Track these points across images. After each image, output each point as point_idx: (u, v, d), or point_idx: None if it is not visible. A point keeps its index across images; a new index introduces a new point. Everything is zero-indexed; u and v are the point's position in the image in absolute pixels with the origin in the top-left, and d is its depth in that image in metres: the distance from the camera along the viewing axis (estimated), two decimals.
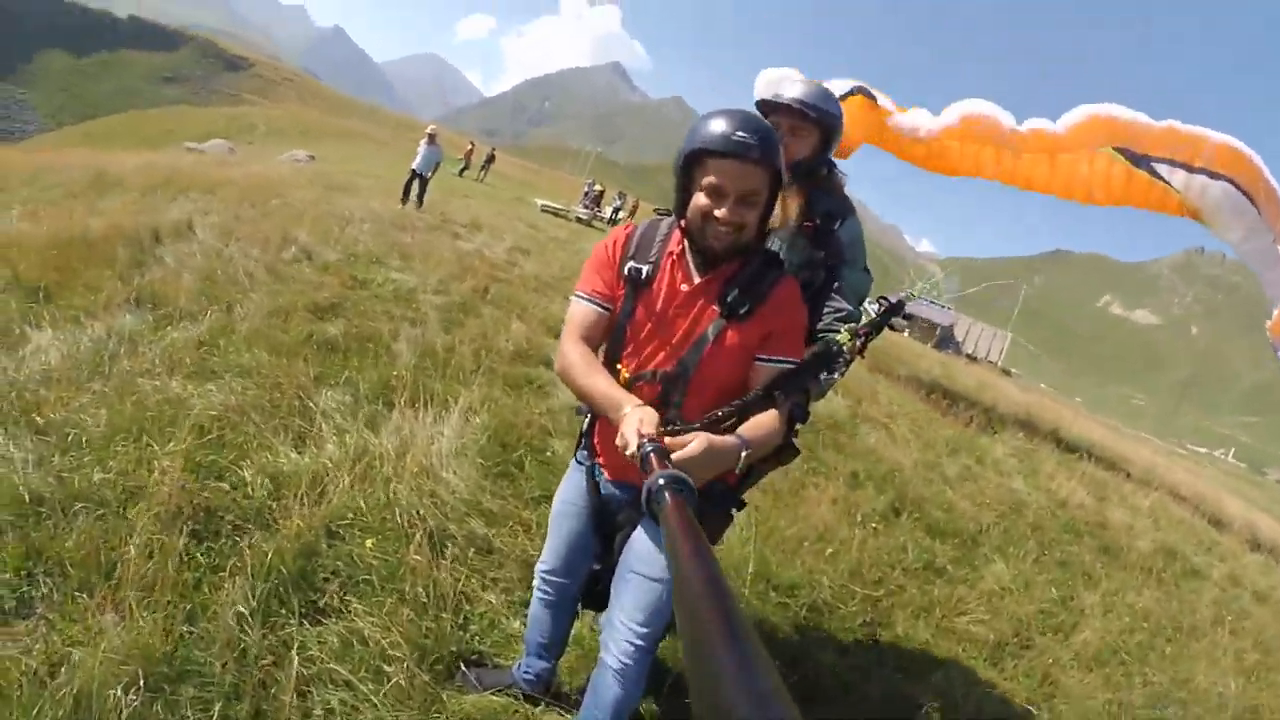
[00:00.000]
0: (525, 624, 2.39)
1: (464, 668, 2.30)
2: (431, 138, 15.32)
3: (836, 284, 2.13)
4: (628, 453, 1.31)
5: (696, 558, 0.72)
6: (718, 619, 0.58)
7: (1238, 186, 7.80)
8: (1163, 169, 8.20)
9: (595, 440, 1.89)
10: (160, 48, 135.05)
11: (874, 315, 2.04)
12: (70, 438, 2.86)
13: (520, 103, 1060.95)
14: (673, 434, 1.46)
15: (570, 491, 2.00)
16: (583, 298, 1.77)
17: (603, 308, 1.75)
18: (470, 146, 34.43)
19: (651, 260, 1.73)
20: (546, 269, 10.65)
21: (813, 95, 2.18)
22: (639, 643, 1.76)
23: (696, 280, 1.70)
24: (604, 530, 1.93)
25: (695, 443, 1.40)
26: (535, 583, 2.12)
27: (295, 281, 5.98)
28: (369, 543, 2.73)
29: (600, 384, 1.61)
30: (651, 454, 1.22)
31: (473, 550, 2.97)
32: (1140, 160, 8.32)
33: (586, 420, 1.94)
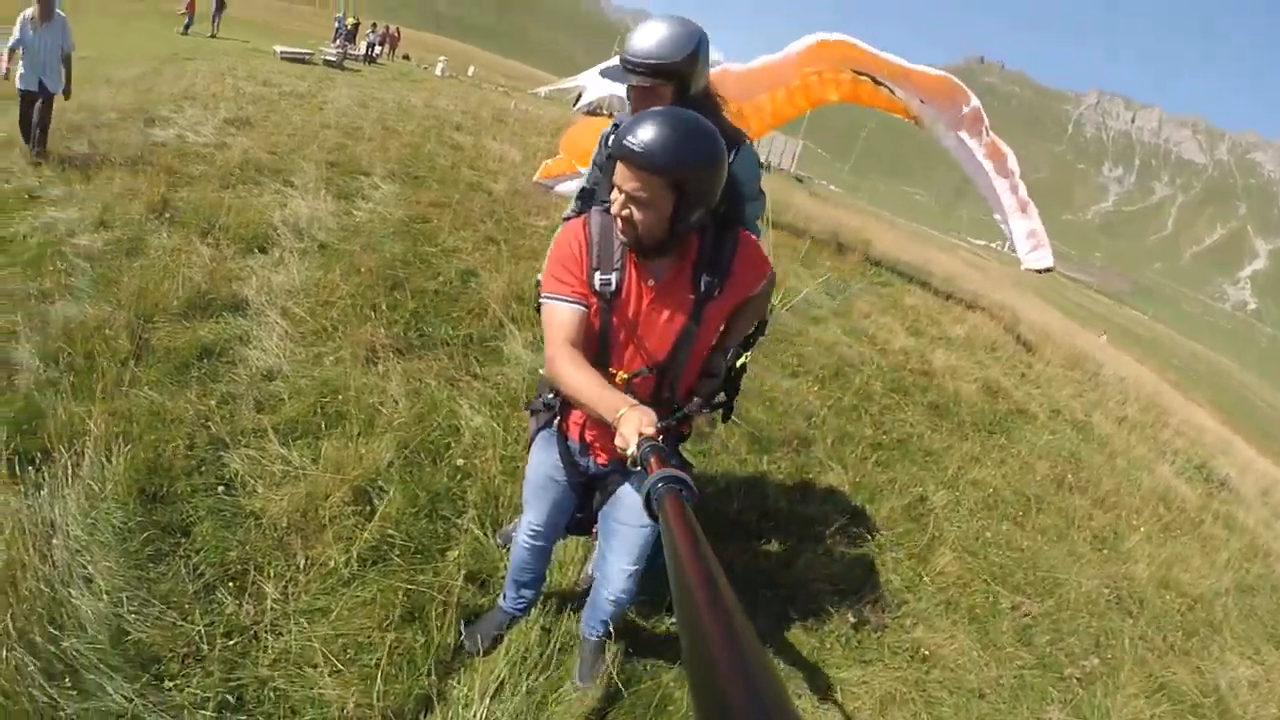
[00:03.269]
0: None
1: (463, 630, 2.33)
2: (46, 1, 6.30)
3: None
4: (628, 454, 1.24)
5: (695, 558, 0.71)
6: (716, 620, 0.58)
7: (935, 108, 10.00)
8: (886, 82, 10.03)
9: (587, 433, 1.90)
10: None
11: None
12: None
13: None
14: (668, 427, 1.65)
15: (548, 466, 2.00)
16: (557, 299, 1.68)
17: (581, 305, 1.68)
18: None
19: (617, 266, 1.69)
20: (269, 140, 8.33)
21: (655, 46, 2.00)
22: (633, 569, 2.01)
23: (663, 275, 1.69)
24: (585, 493, 2.05)
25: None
26: (521, 535, 2.19)
27: None
28: None
29: (594, 388, 1.53)
30: (650, 454, 1.16)
31: None
32: (864, 72, 10.01)
33: (556, 413, 1.95)
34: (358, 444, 2.95)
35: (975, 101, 9.71)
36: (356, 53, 26.11)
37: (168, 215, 5.13)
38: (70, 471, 2.44)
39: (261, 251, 4.95)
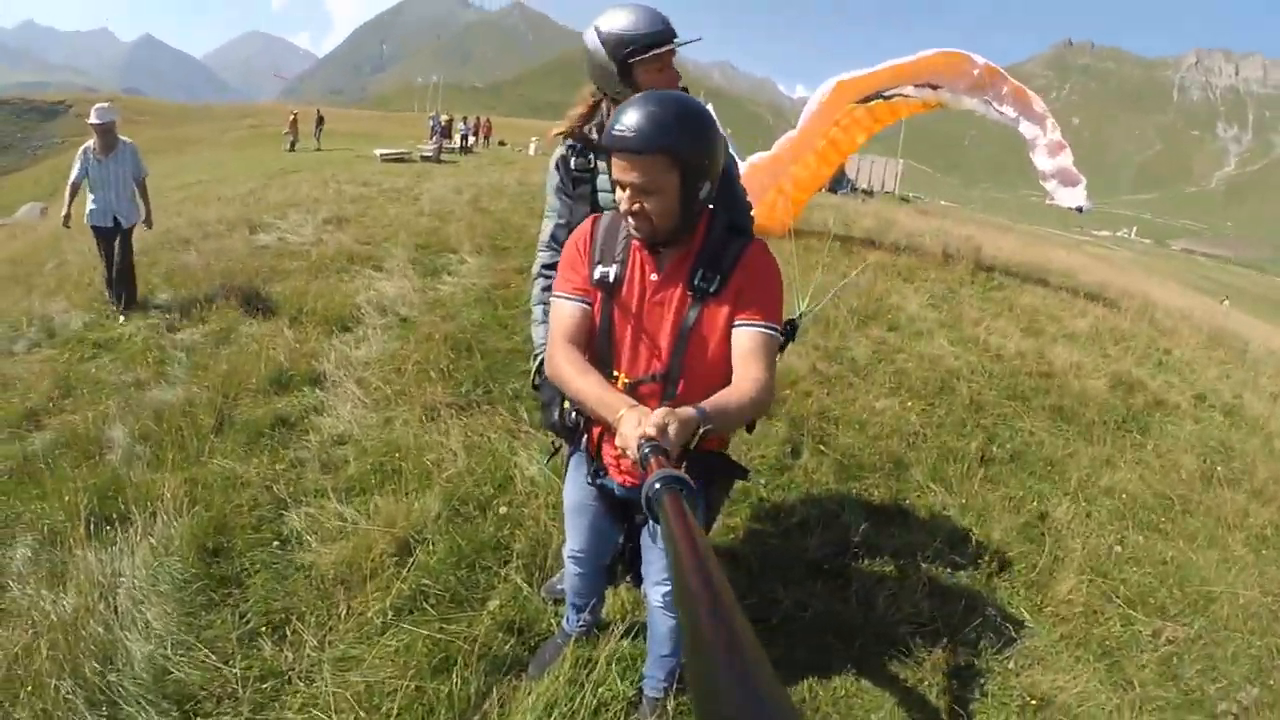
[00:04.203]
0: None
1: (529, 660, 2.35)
2: (104, 132, 5.71)
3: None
4: (628, 455, 1.23)
5: (694, 559, 0.68)
6: (715, 622, 0.57)
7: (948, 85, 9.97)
8: (893, 92, 10.10)
9: (605, 453, 1.84)
10: None
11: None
12: None
13: (357, 54, 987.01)
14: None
15: (580, 491, 1.99)
16: (564, 296, 1.71)
17: (585, 303, 1.70)
18: (293, 116, 30.60)
19: (618, 259, 1.68)
20: (366, 232, 8.91)
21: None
22: (667, 591, 1.93)
23: (663, 267, 1.66)
24: (621, 516, 1.99)
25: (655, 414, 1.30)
26: (566, 561, 2.19)
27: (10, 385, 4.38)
28: None
29: (593, 389, 1.53)
30: (650, 454, 1.13)
31: None
32: (875, 95, 10.03)
33: (583, 436, 1.88)
34: (410, 498, 2.97)
35: (983, 61, 9.81)
36: (453, 146, 28.00)
37: (260, 308, 5.56)
38: (142, 530, 2.71)
39: (345, 330, 5.25)
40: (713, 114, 2.20)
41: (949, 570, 3.16)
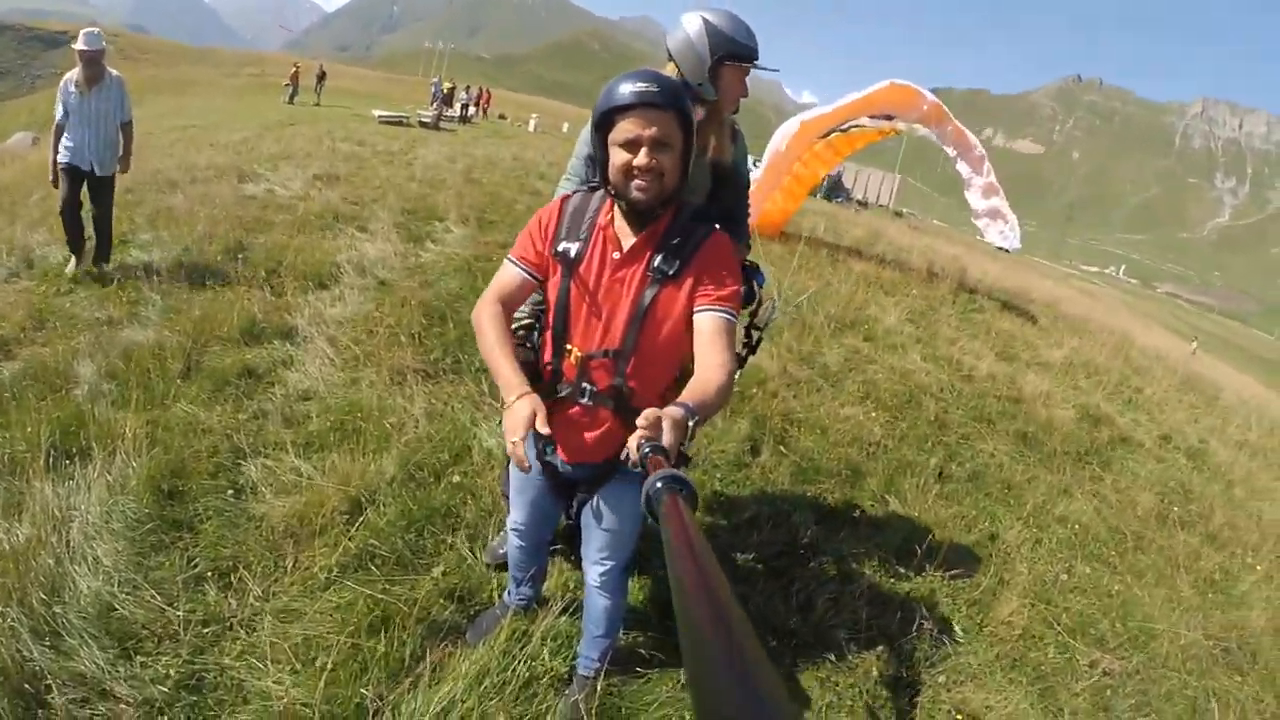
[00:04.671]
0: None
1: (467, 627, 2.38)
2: (90, 60, 4.92)
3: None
4: (628, 460, 1.21)
5: (693, 559, 0.69)
6: (715, 622, 0.56)
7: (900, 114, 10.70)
8: (851, 125, 10.86)
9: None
10: None
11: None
12: None
13: (367, 11, 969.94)
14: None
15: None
16: (512, 261, 1.78)
17: (529, 274, 1.76)
18: (294, 69, 30.21)
19: (582, 237, 1.73)
20: (354, 192, 8.80)
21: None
22: (609, 564, 1.99)
23: (626, 247, 1.69)
24: (564, 494, 1.97)
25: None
26: (509, 533, 2.21)
27: None
28: None
29: (500, 360, 1.62)
30: (650, 454, 1.14)
31: (67, 699, 1.92)
32: (833, 130, 10.81)
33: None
34: (367, 459, 2.96)
35: (932, 98, 10.46)
36: (453, 114, 27.68)
37: (241, 256, 5.49)
38: (100, 467, 2.70)
39: (322, 288, 5.20)
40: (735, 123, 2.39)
41: (892, 580, 3.19)
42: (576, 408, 1.74)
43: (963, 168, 10.88)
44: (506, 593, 2.40)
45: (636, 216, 1.68)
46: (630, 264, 1.69)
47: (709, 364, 1.55)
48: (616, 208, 1.71)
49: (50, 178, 5.04)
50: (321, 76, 30.69)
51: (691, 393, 1.45)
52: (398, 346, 4.20)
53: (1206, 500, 5.21)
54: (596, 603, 2.06)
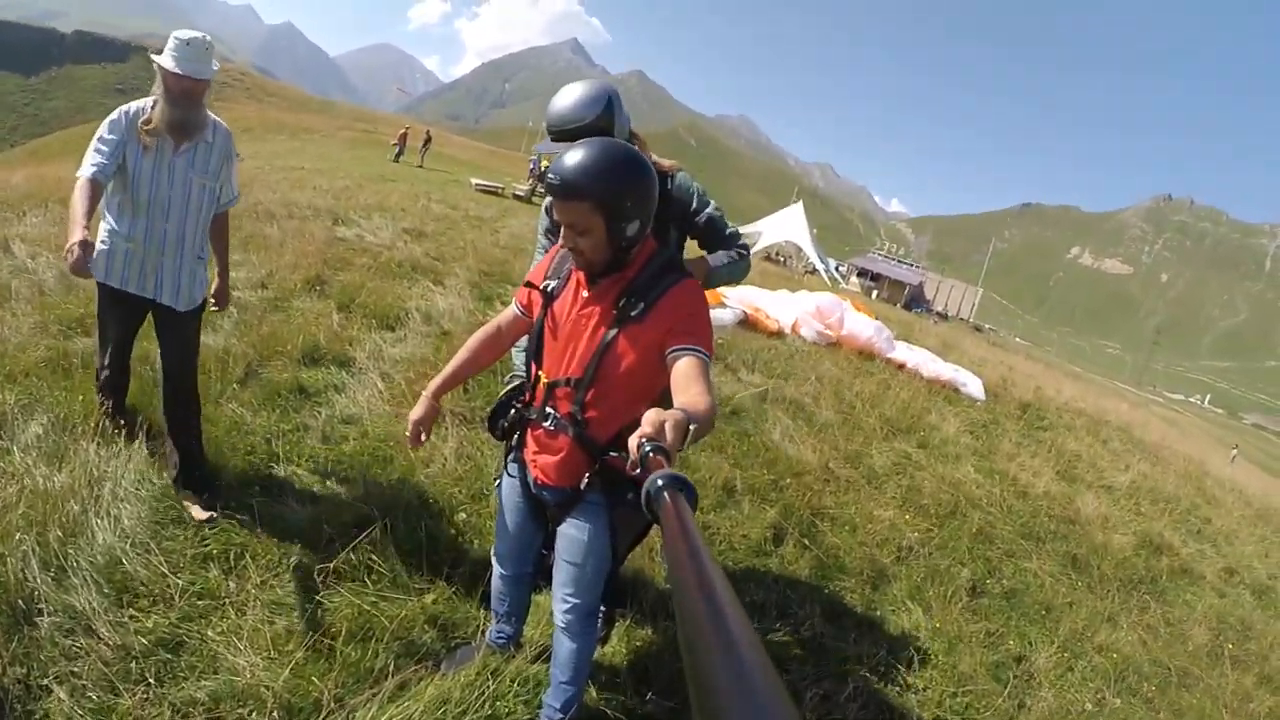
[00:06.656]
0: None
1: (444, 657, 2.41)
2: (184, 94, 2.57)
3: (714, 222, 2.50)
4: (628, 463, 1.19)
5: (693, 560, 0.68)
6: (714, 623, 0.56)
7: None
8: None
9: (524, 450, 2.03)
10: (109, 59, 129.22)
11: None
12: None
13: (481, 86, 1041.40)
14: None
15: (509, 489, 2.16)
16: (515, 302, 2.06)
17: (519, 312, 2.04)
18: (404, 130, 32.69)
19: (562, 276, 1.90)
20: (436, 249, 9.29)
21: (571, 110, 2.37)
22: (574, 601, 2.01)
23: (595, 288, 1.82)
24: (542, 521, 2.10)
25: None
26: (492, 561, 2.31)
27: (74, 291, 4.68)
28: None
29: (453, 361, 2.11)
30: (651, 454, 1.14)
31: (57, 631, 2.15)
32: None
33: (514, 432, 2.08)
34: (390, 485, 3.11)
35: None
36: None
37: (319, 288, 5.88)
38: (144, 441, 2.97)
39: (388, 329, 5.51)
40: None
41: (895, 688, 3.00)
42: (540, 430, 1.91)
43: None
44: (489, 631, 2.45)
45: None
46: (597, 303, 1.82)
47: (691, 393, 1.57)
48: None
49: (72, 260, 2.20)
50: (427, 140, 32.85)
51: (682, 405, 1.45)
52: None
53: (1268, 639, 4.78)
54: (562, 645, 2.08)
